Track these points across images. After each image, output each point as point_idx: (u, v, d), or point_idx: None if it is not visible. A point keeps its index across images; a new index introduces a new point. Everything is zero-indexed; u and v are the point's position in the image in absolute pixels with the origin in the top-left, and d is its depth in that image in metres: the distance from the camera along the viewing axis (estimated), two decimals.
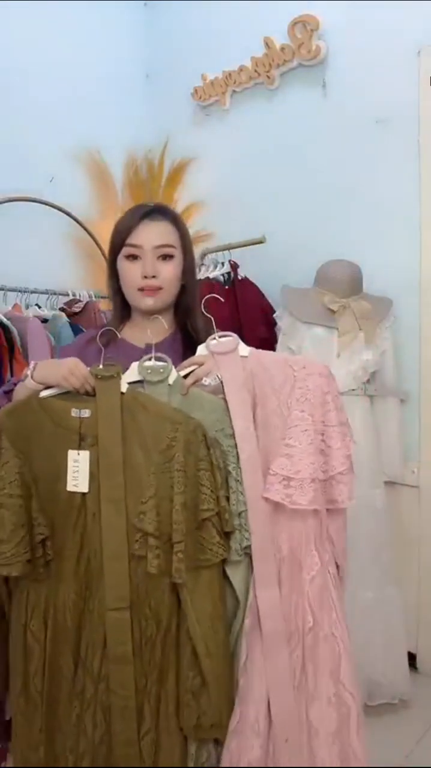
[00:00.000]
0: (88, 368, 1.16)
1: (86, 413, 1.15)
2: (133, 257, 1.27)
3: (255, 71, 2.45)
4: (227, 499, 1.12)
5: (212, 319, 1.31)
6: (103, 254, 2.54)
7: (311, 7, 2.23)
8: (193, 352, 1.31)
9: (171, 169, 2.81)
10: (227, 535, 1.12)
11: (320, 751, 1.10)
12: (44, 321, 2.02)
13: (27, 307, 2.11)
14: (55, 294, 2.21)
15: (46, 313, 2.09)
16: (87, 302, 2.22)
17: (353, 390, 1.98)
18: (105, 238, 2.55)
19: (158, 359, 1.19)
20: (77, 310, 2.20)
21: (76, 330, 2.01)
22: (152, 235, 1.27)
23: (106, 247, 2.60)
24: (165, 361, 1.19)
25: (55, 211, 2.36)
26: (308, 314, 2.03)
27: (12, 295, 2.10)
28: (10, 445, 1.15)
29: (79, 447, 1.16)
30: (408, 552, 2.15)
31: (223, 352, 1.19)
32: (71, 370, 1.15)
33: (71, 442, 1.16)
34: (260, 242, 2.33)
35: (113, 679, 1.10)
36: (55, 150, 2.50)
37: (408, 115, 2.06)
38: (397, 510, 2.14)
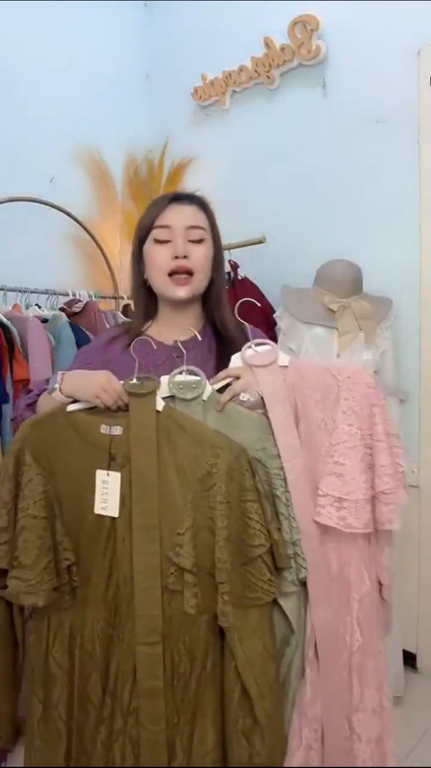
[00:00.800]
0: (122, 382, 1.07)
1: (117, 430, 1.06)
2: (162, 241, 1.20)
3: (255, 71, 2.45)
4: (279, 530, 1.03)
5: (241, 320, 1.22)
6: (103, 254, 2.54)
7: (311, 7, 2.23)
8: (224, 347, 1.24)
9: (171, 169, 2.81)
10: (279, 569, 1.03)
11: (362, 754, 1.08)
12: (44, 321, 2.02)
13: (27, 307, 2.11)
14: (55, 294, 2.21)
15: (46, 313, 2.09)
16: (87, 302, 2.22)
17: None
18: (105, 238, 2.58)
19: (190, 372, 1.10)
20: (77, 310, 2.20)
21: (76, 330, 2.01)
22: (181, 215, 1.20)
23: (106, 247, 2.62)
24: (198, 375, 1.10)
25: (55, 211, 2.36)
26: (308, 314, 2.03)
27: (12, 295, 2.10)
28: (33, 461, 1.07)
29: (109, 467, 1.07)
30: (408, 552, 2.15)
31: (262, 364, 1.11)
32: (103, 386, 1.06)
33: (100, 462, 1.07)
34: (260, 242, 2.33)
35: (143, 713, 1.03)
36: (55, 150, 2.50)
37: (408, 115, 2.06)
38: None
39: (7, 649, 1.18)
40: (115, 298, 2.53)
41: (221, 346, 1.25)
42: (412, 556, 2.15)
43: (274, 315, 2.17)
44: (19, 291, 2.10)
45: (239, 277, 2.34)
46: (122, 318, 2.33)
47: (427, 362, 2.11)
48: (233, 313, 1.26)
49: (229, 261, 2.36)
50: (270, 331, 2.25)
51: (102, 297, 2.36)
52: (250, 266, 2.38)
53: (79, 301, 2.23)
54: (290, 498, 1.05)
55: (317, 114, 2.33)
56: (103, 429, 1.08)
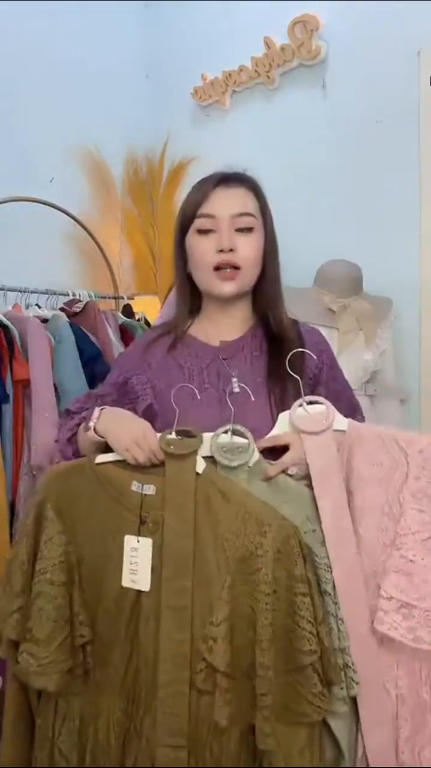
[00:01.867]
0: (159, 436, 0.94)
1: (150, 490, 0.93)
2: (206, 231, 1.07)
3: (255, 71, 2.45)
4: (329, 634, 0.87)
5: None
6: (103, 254, 2.54)
7: (311, 7, 2.22)
8: (276, 347, 1.09)
9: (171, 169, 2.80)
10: (328, 682, 0.87)
11: None
12: (44, 321, 2.02)
13: (27, 307, 2.10)
14: (55, 294, 2.21)
15: (46, 313, 2.09)
16: (87, 302, 2.21)
17: (353, 390, 1.98)
18: (105, 238, 2.58)
19: (236, 433, 0.95)
20: (77, 310, 2.20)
21: (76, 330, 2.01)
22: (228, 202, 1.08)
23: (106, 246, 2.62)
24: (245, 436, 0.95)
25: (55, 211, 2.36)
26: (308, 314, 2.02)
27: (12, 295, 2.09)
28: (55, 517, 0.95)
29: (139, 532, 0.93)
30: None
31: (313, 431, 0.95)
32: (137, 440, 0.94)
33: (129, 524, 0.94)
34: None
35: None
36: (55, 150, 2.50)
37: (408, 115, 2.06)
38: None
39: (25, 735, 1.02)
40: (115, 298, 2.53)
41: (273, 347, 1.12)
42: None
43: None
44: (19, 291, 2.10)
45: None
46: (122, 318, 2.32)
47: (427, 362, 2.10)
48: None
49: None
50: None
51: (102, 297, 2.35)
52: None
53: (79, 301, 2.23)
54: (338, 595, 0.89)
55: (318, 114, 2.33)
56: (135, 486, 0.95)
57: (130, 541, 0.94)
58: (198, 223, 1.08)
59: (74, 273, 2.57)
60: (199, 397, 1.05)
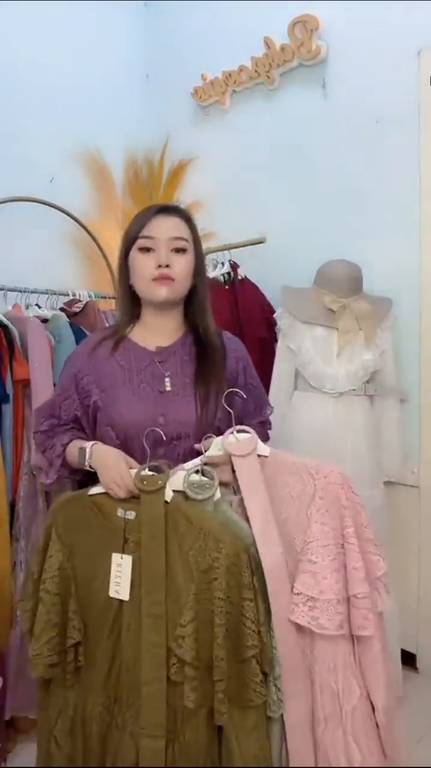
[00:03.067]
0: (134, 471, 1.14)
1: (131, 515, 1.13)
2: (146, 249, 1.27)
3: (255, 71, 2.45)
4: (268, 632, 1.05)
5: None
6: (103, 254, 2.54)
7: (311, 7, 2.23)
8: (204, 353, 1.32)
9: (171, 169, 2.81)
10: (265, 677, 1.05)
11: None
12: (44, 321, 2.02)
13: (27, 307, 2.10)
14: (55, 294, 2.21)
15: (46, 313, 2.09)
16: (87, 302, 2.21)
17: (353, 390, 1.98)
18: (105, 238, 2.58)
19: (203, 473, 1.15)
20: (77, 310, 2.20)
21: (76, 330, 2.01)
22: (165, 227, 1.27)
23: (106, 247, 2.62)
24: (211, 476, 1.15)
25: (55, 211, 2.36)
26: (308, 314, 2.03)
27: (12, 295, 2.09)
28: (57, 538, 1.14)
29: (123, 550, 1.13)
30: (408, 552, 2.15)
31: (240, 454, 1.15)
32: (116, 480, 1.15)
33: (115, 544, 1.13)
34: (260, 242, 2.33)
35: None
36: (55, 150, 2.50)
37: (408, 115, 2.06)
38: (397, 510, 2.14)
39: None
40: (115, 298, 2.53)
41: (200, 352, 1.32)
42: (412, 556, 2.15)
43: (274, 315, 2.17)
44: (19, 291, 2.10)
45: (239, 277, 2.34)
46: None
47: (427, 362, 2.11)
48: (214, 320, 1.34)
49: (229, 261, 2.36)
50: (270, 331, 2.25)
51: (102, 297, 2.35)
52: (250, 266, 2.38)
53: (79, 301, 2.23)
54: (267, 590, 1.07)
55: (318, 114, 2.33)
56: (119, 512, 1.14)
57: (116, 557, 1.12)
58: (140, 242, 1.27)
59: (74, 273, 2.57)
60: (136, 395, 1.26)
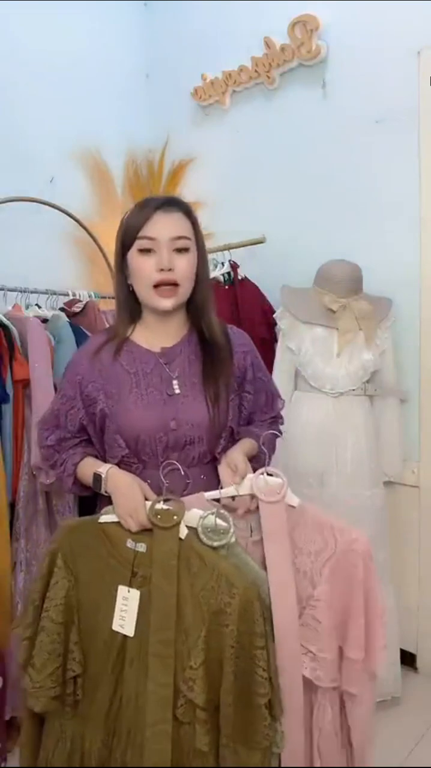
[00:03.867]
0: (148, 507, 1.08)
1: (142, 548, 1.08)
2: (146, 251, 1.19)
3: (255, 71, 2.45)
4: (277, 676, 1.05)
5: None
6: (103, 254, 2.54)
7: (312, 7, 2.22)
8: (209, 352, 1.26)
9: (171, 169, 2.80)
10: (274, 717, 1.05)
11: None
12: (44, 321, 2.02)
13: (27, 307, 2.10)
14: (55, 294, 2.21)
15: (46, 313, 2.09)
16: (87, 302, 2.21)
17: (353, 390, 1.98)
18: (105, 238, 2.57)
19: (219, 516, 1.09)
20: (77, 310, 2.20)
21: (76, 330, 2.01)
22: (167, 226, 1.18)
23: (106, 247, 2.61)
24: (227, 521, 1.09)
25: (55, 211, 2.36)
26: (308, 314, 2.03)
27: (12, 295, 2.09)
28: (63, 565, 1.11)
29: (130, 583, 1.08)
30: (408, 552, 2.15)
31: (271, 501, 1.12)
32: (130, 513, 1.10)
33: (122, 576, 1.09)
34: (260, 242, 2.33)
35: None
36: (55, 150, 2.50)
37: (408, 115, 2.06)
38: (397, 510, 2.14)
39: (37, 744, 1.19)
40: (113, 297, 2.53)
41: (206, 350, 1.26)
42: (412, 556, 2.15)
43: (274, 315, 2.17)
44: (19, 291, 2.10)
45: (239, 277, 2.34)
46: None
47: (427, 362, 2.10)
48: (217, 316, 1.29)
49: (229, 261, 2.36)
50: (270, 331, 2.25)
51: (102, 297, 2.35)
52: (250, 266, 2.38)
53: (79, 301, 2.23)
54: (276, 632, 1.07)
55: (317, 114, 2.33)
56: (129, 544, 1.10)
57: (122, 590, 1.09)
58: (140, 243, 1.19)
59: (74, 273, 2.57)
60: (144, 400, 1.21)
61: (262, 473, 1.13)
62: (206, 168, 2.74)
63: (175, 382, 1.23)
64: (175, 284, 1.20)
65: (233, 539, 1.08)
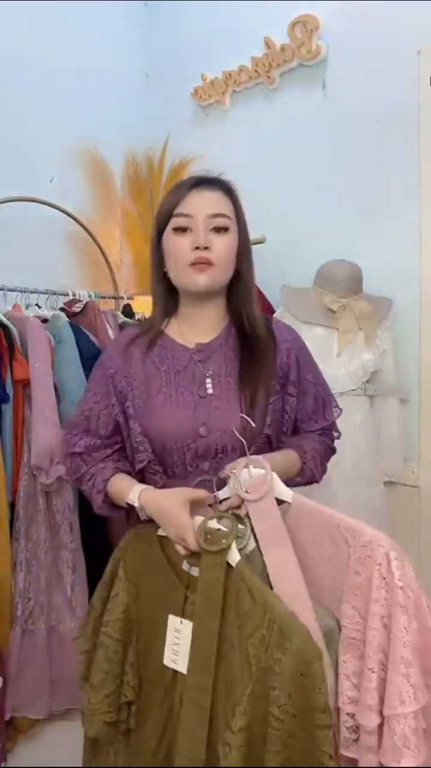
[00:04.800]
0: (198, 523, 0.93)
1: (196, 572, 0.93)
2: (182, 230, 1.10)
3: (255, 71, 2.45)
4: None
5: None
6: (103, 254, 2.54)
7: (312, 7, 2.22)
8: (249, 352, 1.13)
9: (171, 169, 2.80)
10: None
11: None
12: (44, 321, 2.02)
13: (27, 307, 2.10)
14: (55, 294, 2.21)
15: (46, 313, 2.09)
16: (87, 302, 2.21)
17: (353, 390, 1.98)
18: (105, 238, 2.58)
19: (237, 517, 0.92)
20: (77, 310, 2.19)
21: (76, 330, 2.01)
22: (203, 203, 1.10)
23: (106, 247, 2.62)
24: (244, 522, 0.94)
25: (55, 211, 2.36)
26: (308, 314, 2.03)
27: (12, 295, 2.09)
28: (124, 575, 1.00)
29: (183, 612, 0.93)
30: (408, 552, 2.14)
31: (252, 498, 0.92)
32: (179, 538, 0.96)
33: (176, 602, 0.95)
34: (260, 242, 2.32)
35: None
36: (55, 150, 2.49)
37: (408, 115, 2.06)
38: (397, 510, 2.13)
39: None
40: (115, 298, 2.53)
41: (246, 346, 1.15)
42: (412, 556, 2.14)
43: (274, 315, 2.17)
44: (19, 291, 2.10)
45: None
46: (121, 318, 2.32)
47: (427, 362, 2.10)
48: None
49: None
50: None
51: (102, 297, 2.35)
52: None
53: (79, 301, 2.23)
54: None
55: (317, 114, 2.32)
56: (185, 566, 0.96)
57: (173, 621, 0.94)
58: (175, 221, 1.11)
59: (74, 273, 2.57)
60: (173, 401, 1.10)
61: (245, 465, 0.98)
62: (206, 168, 2.73)
63: (208, 381, 1.12)
64: (211, 264, 1.09)
65: (251, 544, 0.93)
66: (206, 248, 1.09)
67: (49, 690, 1.78)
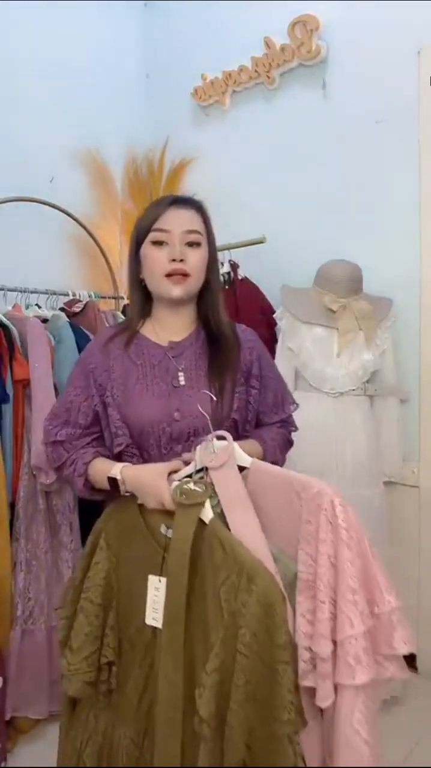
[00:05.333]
0: (175, 484, 1.04)
1: (172, 533, 1.00)
2: (160, 243, 1.23)
3: (255, 71, 2.45)
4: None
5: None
6: (103, 254, 2.54)
7: (312, 7, 2.23)
8: (217, 350, 1.27)
9: (171, 169, 2.81)
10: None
11: None
12: (44, 321, 2.02)
13: (27, 307, 2.10)
14: (55, 294, 2.21)
15: (46, 313, 2.09)
16: (87, 302, 2.22)
17: (353, 390, 1.98)
18: (105, 238, 2.58)
19: (198, 482, 1.01)
20: (77, 310, 2.20)
21: (76, 330, 2.01)
22: (179, 220, 1.23)
23: (106, 247, 2.62)
24: (203, 485, 1.01)
25: (55, 211, 2.36)
26: (308, 314, 2.03)
27: (12, 295, 2.09)
28: (105, 545, 1.07)
29: (161, 571, 1.00)
30: (408, 552, 2.15)
31: (214, 466, 1.01)
32: (159, 503, 1.06)
33: (155, 562, 1.02)
34: (260, 242, 2.33)
35: None
36: (55, 150, 2.50)
37: (408, 115, 2.06)
38: (397, 510, 2.13)
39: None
40: (115, 298, 2.53)
41: (213, 345, 1.29)
42: (412, 556, 2.14)
43: (274, 315, 2.17)
44: (19, 291, 2.10)
45: (239, 277, 2.34)
46: (121, 318, 2.32)
47: (427, 362, 2.10)
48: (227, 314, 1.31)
49: (229, 261, 2.36)
50: (270, 331, 2.25)
51: (102, 297, 2.35)
52: (250, 266, 2.38)
53: (79, 301, 2.23)
54: None
55: (318, 114, 2.33)
56: (163, 529, 1.04)
57: (153, 580, 1.01)
58: (153, 235, 1.23)
59: (74, 273, 2.57)
60: (150, 391, 1.23)
61: (209, 440, 1.06)
62: (206, 168, 2.74)
63: (181, 374, 1.25)
64: (186, 275, 1.23)
65: (208, 502, 1.00)
66: (181, 260, 1.22)
67: (49, 690, 1.78)
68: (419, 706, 1.97)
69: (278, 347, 2.10)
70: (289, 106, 2.43)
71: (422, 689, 2.06)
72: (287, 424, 1.41)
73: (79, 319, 2.15)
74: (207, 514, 0.98)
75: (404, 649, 0.96)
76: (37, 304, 2.14)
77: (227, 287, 2.32)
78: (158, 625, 0.99)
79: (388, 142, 2.13)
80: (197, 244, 1.24)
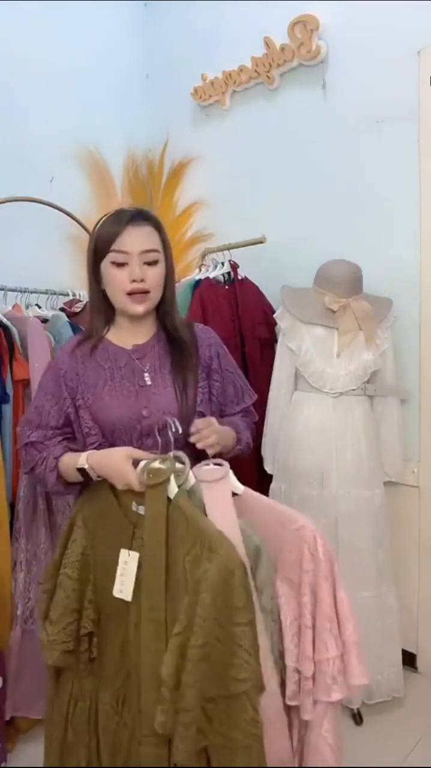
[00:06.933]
0: (141, 466, 1.10)
1: (143, 510, 1.08)
2: (120, 264, 1.29)
3: (255, 71, 2.45)
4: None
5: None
6: None
7: (312, 7, 2.22)
8: (178, 350, 1.37)
9: (171, 169, 2.80)
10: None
11: None
12: (44, 321, 2.02)
13: (27, 307, 2.10)
14: (55, 294, 2.21)
15: (46, 313, 2.09)
16: (87, 302, 2.21)
17: (353, 390, 1.98)
18: None
19: (177, 459, 1.09)
20: (77, 310, 2.20)
21: (76, 330, 2.01)
22: (138, 240, 1.29)
23: None
24: (183, 462, 1.09)
25: (55, 211, 2.36)
26: (308, 314, 2.03)
27: (12, 295, 2.10)
28: (82, 525, 1.15)
29: (132, 546, 1.08)
30: (408, 552, 2.15)
31: (208, 480, 1.08)
32: (126, 485, 1.13)
33: (126, 539, 1.10)
34: (260, 242, 2.33)
35: None
36: (55, 150, 2.50)
37: (408, 115, 2.06)
38: (397, 510, 2.14)
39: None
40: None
41: (174, 346, 1.38)
42: (412, 556, 2.15)
43: (274, 315, 2.17)
44: (19, 291, 2.10)
45: (239, 277, 2.34)
46: None
47: (427, 362, 2.10)
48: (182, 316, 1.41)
49: (229, 261, 2.36)
50: (270, 331, 2.25)
51: None
52: (250, 266, 2.38)
53: (79, 301, 2.23)
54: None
55: (318, 114, 2.33)
56: (134, 506, 1.11)
57: (123, 554, 1.08)
58: (113, 257, 1.30)
59: (74, 273, 2.56)
60: (118, 391, 1.30)
61: (207, 464, 1.14)
62: (206, 168, 2.74)
63: (146, 374, 1.33)
64: (146, 292, 1.30)
65: (191, 480, 1.08)
66: (141, 280, 1.29)
67: None
68: (420, 705, 1.98)
69: (278, 347, 2.10)
70: (289, 106, 2.43)
71: (422, 688, 2.06)
72: (249, 414, 1.50)
73: (79, 319, 2.15)
74: (172, 489, 1.05)
75: (364, 680, 1.05)
76: (37, 304, 2.14)
77: (227, 287, 2.32)
78: (122, 596, 1.06)
79: (388, 142, 2.13)
80: (155, 262, 1.31)
